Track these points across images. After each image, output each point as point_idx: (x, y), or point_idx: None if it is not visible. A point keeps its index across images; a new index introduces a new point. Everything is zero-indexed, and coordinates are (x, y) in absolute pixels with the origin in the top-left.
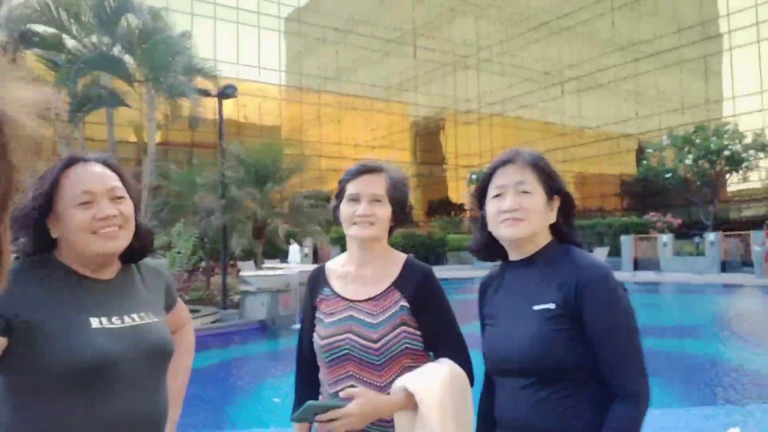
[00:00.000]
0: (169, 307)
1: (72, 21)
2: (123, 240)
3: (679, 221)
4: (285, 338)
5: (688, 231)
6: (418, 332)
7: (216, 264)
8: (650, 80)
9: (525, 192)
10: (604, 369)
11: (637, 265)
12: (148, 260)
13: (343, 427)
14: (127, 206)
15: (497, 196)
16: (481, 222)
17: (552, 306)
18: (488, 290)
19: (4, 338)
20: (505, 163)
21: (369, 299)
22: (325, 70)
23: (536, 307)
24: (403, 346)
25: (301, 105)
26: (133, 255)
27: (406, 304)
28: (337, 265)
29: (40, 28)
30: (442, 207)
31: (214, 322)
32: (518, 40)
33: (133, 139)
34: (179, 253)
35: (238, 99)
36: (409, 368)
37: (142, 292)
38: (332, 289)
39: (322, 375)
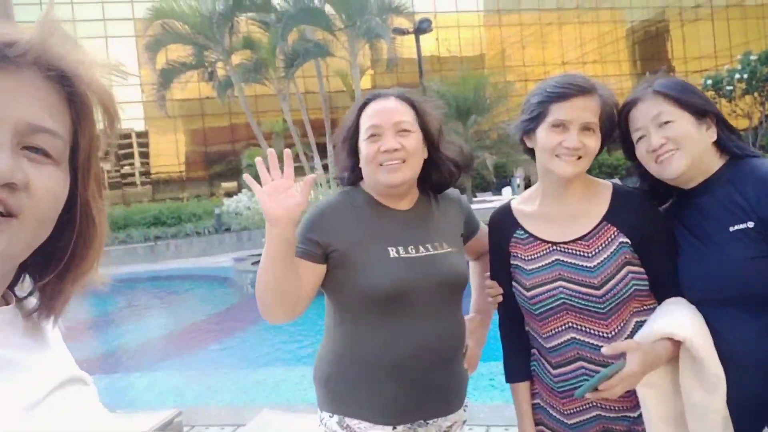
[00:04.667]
0: (470, 234)
1: None
2: (404, 173)
3: None
4: None
5: None
6: (643, 270)
7: None
8: None
9: (666, 122)
10: None
11: None
12: (449, 190)
13: (622, 390)
14: (412, 140)
15: (641, 138)
16: (638, 169)
17: (751, 224)
18: (671, 224)
19: (323, 265)
20: (635, 102)
21: (578, 239)
22: None
23: (733, 228)
24: (632, 289)
25: (501, 29)
26: (436, 186)
27: (626, 239)
28: (526, 203)
29: None
30: None
31: None
32: None
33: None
34: None
35: (437, 33)
36: (639, 313)
37: (438, 222)
38: (527, 231)
39: (533, 327)
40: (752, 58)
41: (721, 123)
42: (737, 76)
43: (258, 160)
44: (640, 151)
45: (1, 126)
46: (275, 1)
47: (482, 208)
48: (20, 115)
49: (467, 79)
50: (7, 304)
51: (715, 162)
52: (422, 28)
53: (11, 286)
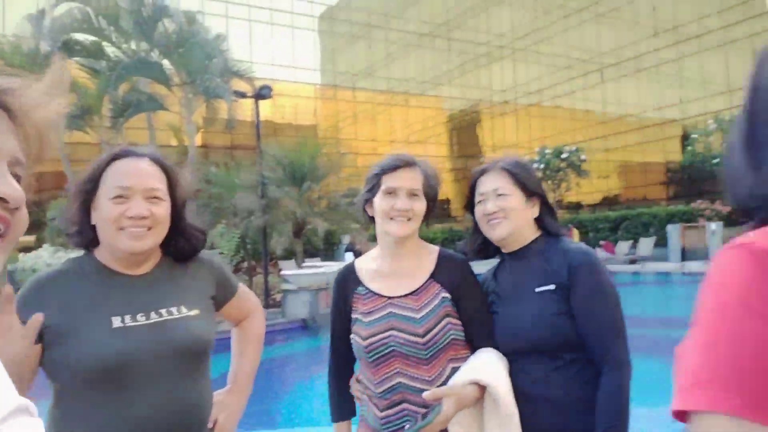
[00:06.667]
0: (224, 298)
1: (111, 28)
2: (149, 241)
3: (729, 209)
4: (327, 336)
5: (738, 219)
6: (460, 322)
7: (258, 264)
8: (693, 63)
9: (502, 195)
10: (591, 341)
11: (684, 255)
12: (202, 252)
13: (440, 428)
14: (161, 208)
15: (481, 201)
16: (474, 226)
17: (552, 287)
18: (490, 282)
19: (38, 345)
20: (484, 172)
21: (409, 294)
22: (359, 66)
23: (538, 290)
24: (450, 338)
25: (336, 103)
26: (182, 254)
27: (447, 295)
28: (368, 263)
29: (81, 36)
30: None
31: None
32: (554, 27)
33: (174, 142)
34: (222, 253)
35: (275, 100)
36: (454, 360)
37: (181, 284)
38: (367, 288)
39: (366, 375)
40: (547, 151)
41: (545, 204)
42: (535, 165)
43: None
44: (478, 212)
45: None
46: (110, 50)
47: (311, 273)
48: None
49: (303, 147)
50: None
51: (532, 234)
52: (262, 94)
53: None
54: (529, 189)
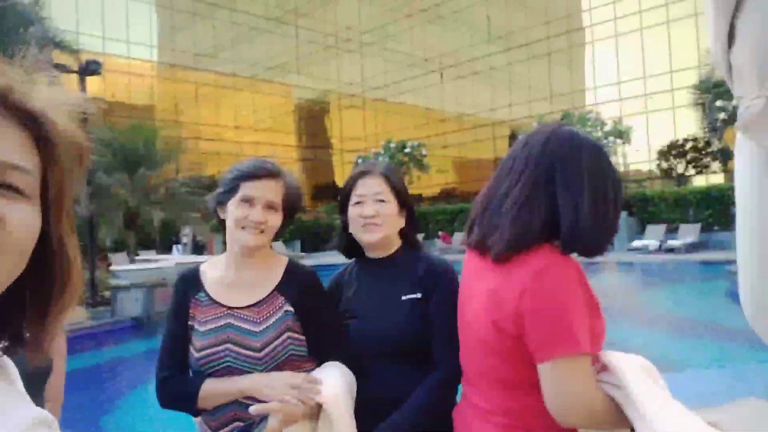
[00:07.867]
0: None
1: None
2: None
3: None
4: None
5: None
6: (303, 337)
7: (84, 258)
8: (522, 69)
9: (382, 200)
10: (436, 344)
11: None
12: None
13: None
14: None
15: (358, 203)
16: (344, 225)
17: (419, 295)
18: (344, 286)
19: None
20: (365, 174)
21: (250, 306)
22: (202, 47)
23: (404, 297)
24: (288, 353)
25: (176, 83)
26: None
27: (291, 308)
28: (213, 268)
29: None
30: (328, 191)
31: (82, 321)
32: (398, 24)
33: None
34: None
35: (105, 76)
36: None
37: None
38: (208, 295)
39: None
40: (392, 145)
41: (410, 217)
42: (380, 158)
43: None
44: (354, 213)
45: None
46: None
47: (144, 268)
48: None
49: (138, 129)
50: None
51: (396, 243)
52: (90, 69)
53: None
54: (403, 199)
